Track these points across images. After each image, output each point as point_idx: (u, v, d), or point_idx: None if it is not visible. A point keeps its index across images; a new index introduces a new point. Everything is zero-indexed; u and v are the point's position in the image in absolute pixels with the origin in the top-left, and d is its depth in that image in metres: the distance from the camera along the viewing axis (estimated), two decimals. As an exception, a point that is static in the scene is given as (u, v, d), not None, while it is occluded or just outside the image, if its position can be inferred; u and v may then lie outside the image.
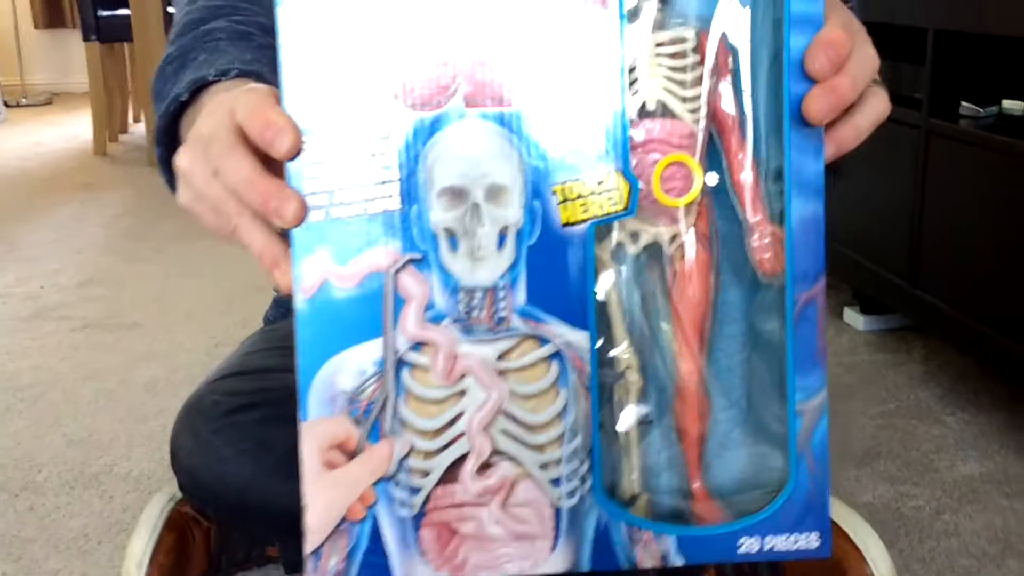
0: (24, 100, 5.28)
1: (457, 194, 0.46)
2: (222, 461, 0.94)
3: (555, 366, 0.47)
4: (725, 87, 0.48)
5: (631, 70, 0.47)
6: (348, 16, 0.45)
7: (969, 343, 1.40)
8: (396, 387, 0.47)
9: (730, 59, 0.48)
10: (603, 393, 0.49)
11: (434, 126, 0.45)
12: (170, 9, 3.55)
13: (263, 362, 1.03)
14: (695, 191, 0.47)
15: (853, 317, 1.81)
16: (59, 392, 1.61)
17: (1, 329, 1.92)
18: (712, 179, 0.48)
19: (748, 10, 0.47)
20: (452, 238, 0.46)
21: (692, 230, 0.48)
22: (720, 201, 0.48)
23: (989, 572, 1.08)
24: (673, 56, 0.47)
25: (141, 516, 1.01)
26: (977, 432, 1.39)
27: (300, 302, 0.46)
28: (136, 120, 4.40)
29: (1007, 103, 1.47)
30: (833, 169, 0.49)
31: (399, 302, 0.46)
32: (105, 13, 3.75)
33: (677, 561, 0.48)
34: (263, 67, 0.67)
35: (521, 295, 0.46)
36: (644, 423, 0.49)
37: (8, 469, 1.35)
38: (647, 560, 0.48)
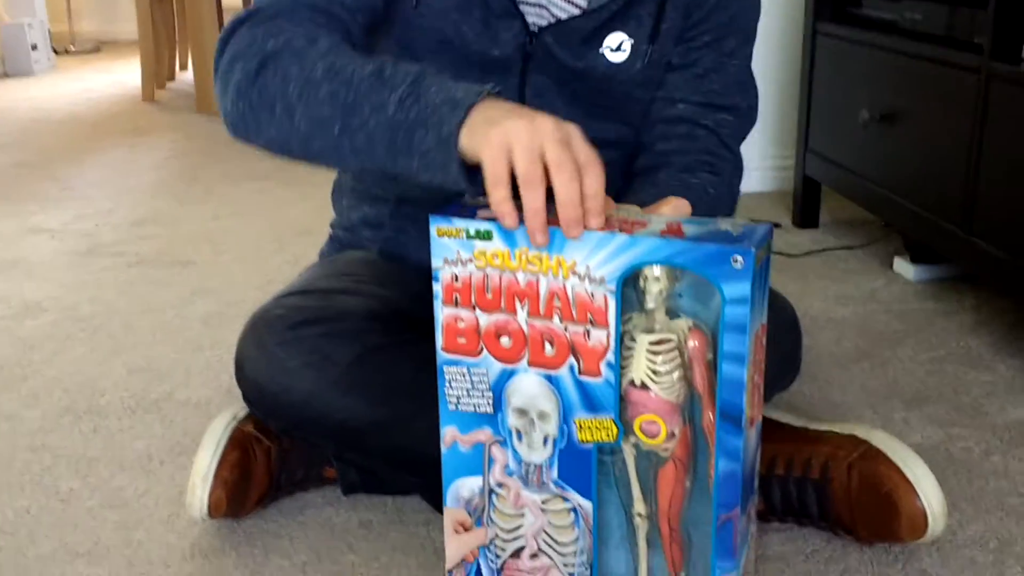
0: (72, 48, 5.34)
1: (522, 412, 0.80)
2: (286, 372, 0.96)
3: (572, 514, 0.82)
4: (700, 367, 0.77)
5: (628, 356, 0.77)
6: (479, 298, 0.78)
7: None
8: (489, 504, 0.84)
9: (708, 352, 0.76)
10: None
11: (512, 373, 0.79)
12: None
13: (327, 284, 1.05)
14: (661, 437, 0.78)
15: (903, 267, 1.80)
16: (117, 324, 1.64)
17: (59, 264, 1.96)
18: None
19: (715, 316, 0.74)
20: (519, 433, 0.81)
21: (673, 452, 0.80)
22: (697, 436, 0.79)
23: (1039, 511, 1.08)
24: (657, 353, 0.77)
25: (205, 433, 1.04)
26: (1028, 379, 1.39)
27: (442, 450, 0.84)
28: (183, 68, 4.43)
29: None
30: None
31: (491, 460, 0.83)
32: (154, -40, 3.77)
33: None
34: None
35: (555, 472, 0.81)
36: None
37: (72, 393, 1.39)
38: None
